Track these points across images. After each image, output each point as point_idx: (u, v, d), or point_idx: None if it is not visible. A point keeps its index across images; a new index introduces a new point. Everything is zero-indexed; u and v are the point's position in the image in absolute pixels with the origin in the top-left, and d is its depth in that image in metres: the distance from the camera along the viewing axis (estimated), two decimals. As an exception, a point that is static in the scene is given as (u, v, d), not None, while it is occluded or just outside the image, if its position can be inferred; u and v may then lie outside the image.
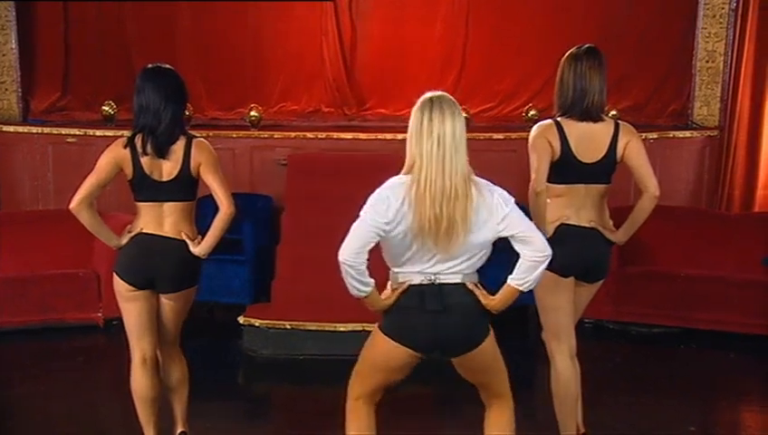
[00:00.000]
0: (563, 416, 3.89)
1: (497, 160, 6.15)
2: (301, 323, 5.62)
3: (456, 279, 3.06)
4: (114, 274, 3.73)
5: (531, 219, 3.23)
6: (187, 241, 3.69)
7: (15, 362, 5.70)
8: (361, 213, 2.98)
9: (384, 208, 2.95)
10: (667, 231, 6.38)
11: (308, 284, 5.87)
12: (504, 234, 3.03)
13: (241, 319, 5.75)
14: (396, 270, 3.10)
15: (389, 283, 3.14)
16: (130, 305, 3.74)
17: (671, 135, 7.32)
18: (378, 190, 3.01)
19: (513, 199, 3.06)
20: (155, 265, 3.68)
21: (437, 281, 3.04)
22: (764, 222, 6.61)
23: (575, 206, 3.72)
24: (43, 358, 5.74)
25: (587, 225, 3.72)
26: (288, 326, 5.63)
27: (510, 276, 3.07)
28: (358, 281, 2.99)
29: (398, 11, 7.76)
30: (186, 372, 3.97)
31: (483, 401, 3.35)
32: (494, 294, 3.10)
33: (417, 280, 3.04)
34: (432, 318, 3.04)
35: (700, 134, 7.38)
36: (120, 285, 3.72)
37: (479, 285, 3.12)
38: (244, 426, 4.87)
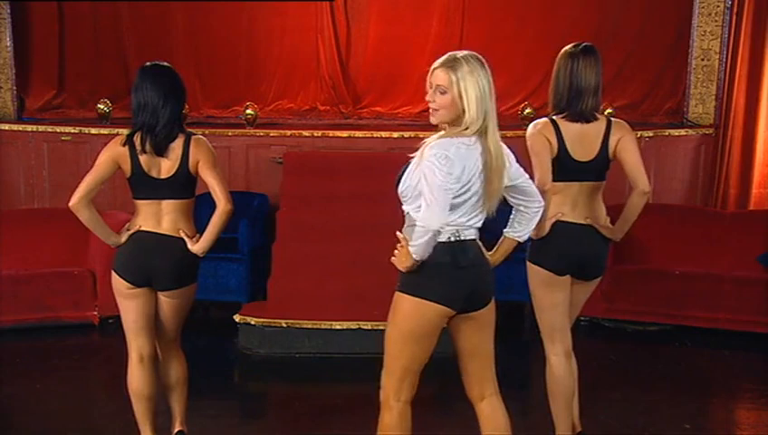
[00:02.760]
0: (558, 414, 3.89)
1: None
2: (296, 321, 5.63)
3: (472, 235, 3.14)
4: (113, 271, 3.73)
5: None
6: (186, 239, 3.69)
7: (11, 360, 5.68)
8: (438, 174, 2.96)
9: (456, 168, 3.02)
10: (663, 229, 6.39)
11: (304, 282, 5.89)
12: (509, 183, 3.16)
13: (237, 317, 5.75)
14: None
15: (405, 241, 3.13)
16: (129, 303, 3.74)
17: (666, 133, 7.33)
18: (442, 151, 3.00)
19: None
20: (153, 262, 3.68)
21: (461, 237, 3.10)
22: (759, 220, 6.62)
23: (570, 203, 3.72)
24: (39, 356, 5.73)
25: (582, 222, 3.73)
26: (284, 324, 5.64)
27: (507, 229, 3.28)
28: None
29: (393, 9, 7.78)
30: (185, 372, 3.96)
31: (473, 396, 3.31)
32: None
33: (444, 237, 3.07)
34: (464, 274, 3.10)
35: (695, 132, 7.39)
36: (118, 283, 3.72)
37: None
38: (240, 424, 4.86)
